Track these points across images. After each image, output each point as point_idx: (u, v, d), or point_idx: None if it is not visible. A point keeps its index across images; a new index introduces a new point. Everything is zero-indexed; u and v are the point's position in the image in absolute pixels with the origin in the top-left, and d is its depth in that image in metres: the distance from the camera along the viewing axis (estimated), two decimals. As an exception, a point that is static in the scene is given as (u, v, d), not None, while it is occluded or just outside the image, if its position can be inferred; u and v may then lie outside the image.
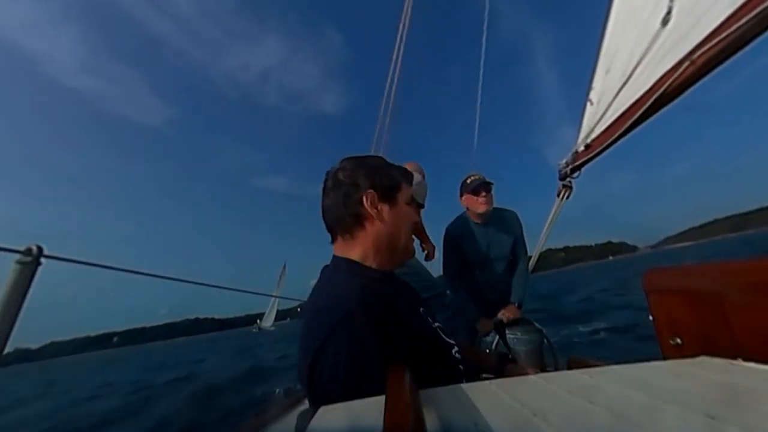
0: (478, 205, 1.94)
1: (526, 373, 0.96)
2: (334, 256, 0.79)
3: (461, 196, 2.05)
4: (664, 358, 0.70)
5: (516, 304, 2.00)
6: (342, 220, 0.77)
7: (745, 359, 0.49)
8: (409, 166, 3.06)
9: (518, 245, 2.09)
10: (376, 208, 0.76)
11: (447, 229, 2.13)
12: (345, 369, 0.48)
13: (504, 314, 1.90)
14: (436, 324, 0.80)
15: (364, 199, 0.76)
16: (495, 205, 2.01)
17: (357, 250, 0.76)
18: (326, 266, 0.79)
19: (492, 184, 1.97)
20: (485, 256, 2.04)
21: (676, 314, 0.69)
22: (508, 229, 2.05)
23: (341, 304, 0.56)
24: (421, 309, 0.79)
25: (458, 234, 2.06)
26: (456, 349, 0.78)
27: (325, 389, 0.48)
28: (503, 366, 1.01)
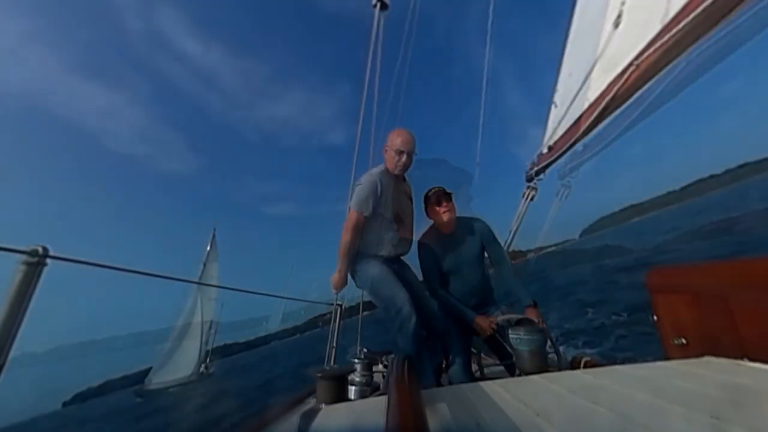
0: (440, 215, 2.03)
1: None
2: None
3: (425, 209, 2.15)
4: (667, 359, 0.70)
5: (532, 304, 1.99)
6: None
7: (751, 359, 0.49)
8: None
9: (491, 249, 2.16)
10: None
11: (419, 241, 2.22)
12: None
13: (528, 316, 1.90)
14: None
15: None
16: (461, 215, 2.10)
17: None
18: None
19: (451, 193, 2.07)
20: (457, 264, 2.12)
21: (681, 314, 0.69)
22: (474, 235, 2.13)
23: None
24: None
25: (430, 244, 2.14)
26: None
27: None
28: None
